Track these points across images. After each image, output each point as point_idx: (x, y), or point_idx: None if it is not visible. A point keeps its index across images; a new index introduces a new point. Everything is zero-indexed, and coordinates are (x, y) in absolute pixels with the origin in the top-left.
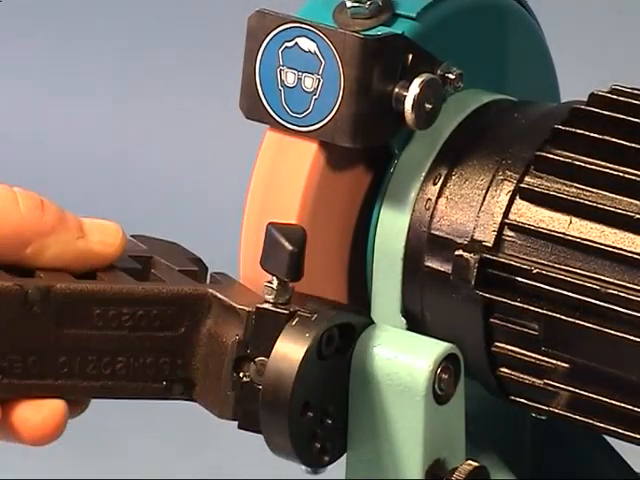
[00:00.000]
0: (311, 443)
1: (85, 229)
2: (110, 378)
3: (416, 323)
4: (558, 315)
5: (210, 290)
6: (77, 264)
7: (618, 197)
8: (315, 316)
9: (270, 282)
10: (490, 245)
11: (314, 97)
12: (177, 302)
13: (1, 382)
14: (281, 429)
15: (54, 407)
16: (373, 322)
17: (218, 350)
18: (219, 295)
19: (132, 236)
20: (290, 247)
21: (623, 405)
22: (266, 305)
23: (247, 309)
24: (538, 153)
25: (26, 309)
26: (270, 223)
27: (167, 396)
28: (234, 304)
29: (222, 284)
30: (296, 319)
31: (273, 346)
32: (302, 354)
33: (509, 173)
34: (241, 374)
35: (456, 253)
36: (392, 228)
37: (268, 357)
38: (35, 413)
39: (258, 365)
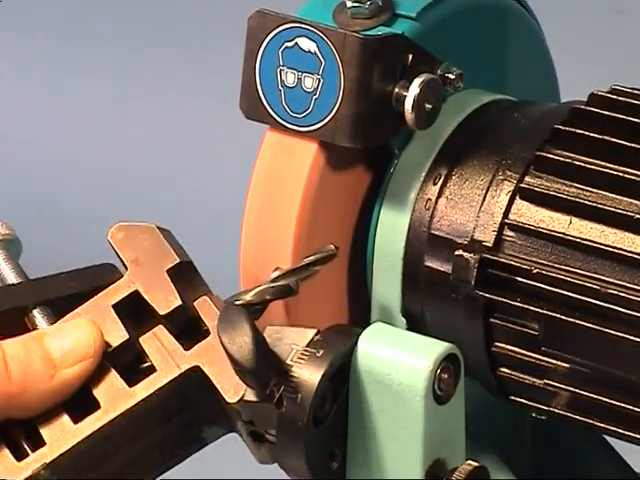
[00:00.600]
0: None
1: (55, 358)
2: (150, 469)
3: (416, 323)
4: (558, 315)
5: (198, 365)
6: (64, 395)
7: (618, 197)
8: (300, 396)
9: None
10: (490, 245)
11: (314, 97)
12: (174, 390)
13: None
14: None
15: None
16: (363, 330)
17: (233, 417)
18: (209, 375)
19: (113, 231)
20: (247, 367)
21: (623, 405)
22: (251, 397)
23: (236, 400)
24: (538, 153)
25: None
26: (218, 325)
27: (208, 443)
28: (224, 396)
29: (206, 342)
30: (283, 407)
31: (274, 420)
32: (302, 441)
33: (509, 173)
34: (261, 440)
35: (456, 253)
36: (392, 228)
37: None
38: None
39: (271, 434)
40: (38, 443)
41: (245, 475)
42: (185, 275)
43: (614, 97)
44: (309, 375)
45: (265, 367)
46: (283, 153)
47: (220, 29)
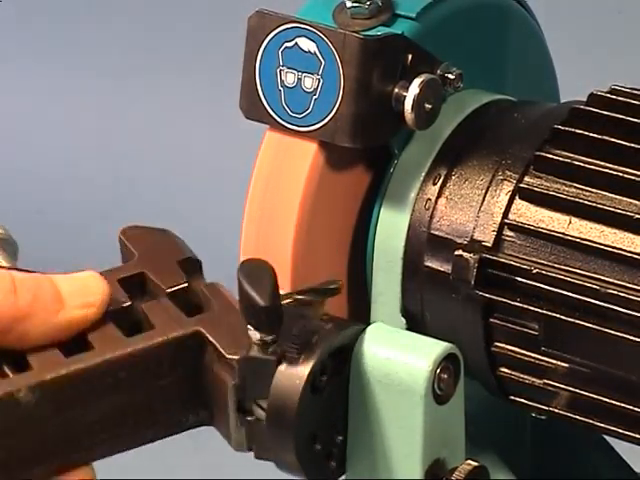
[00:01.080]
0: (327, 465)
1: (63, 296)
2: (123, 435)
3: (416, 323)
4: (558, 315)
5: (200, 329)
6: (63, 335)
7: (618, 197)
8: (303, 357)
9: None
10: (490, 245)
11: (314, 97)
12: (171, 349)
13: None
14: (294, 467)
15: (80, 472)
16: (367, 326)
17: (220, 388)
18: (209, 337)
19: (125, 229)
20: (263, 303)
21: (623, 405)
22: (254, 352)
23: (236, 357)
24: (538, 153)
25: (22, 411)
26: (240, 267)
27: (184, 429)
28: (224, 353)
29: (212, 312)
30: (284, 364)
31: (269, 387)
32: (296, 401)
33: (509, 173)
34: (247, 414)
35: (456, 253)
36: (392, 228)
37: (267, 397)
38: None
39: (260, 405)
40: (25, 370)
41: (245, 475)
42: (194, 270)
43: (613, 97)
44: (315, 340)
45: (277, 312)
46: (283, 153)
47: (220, 29)
